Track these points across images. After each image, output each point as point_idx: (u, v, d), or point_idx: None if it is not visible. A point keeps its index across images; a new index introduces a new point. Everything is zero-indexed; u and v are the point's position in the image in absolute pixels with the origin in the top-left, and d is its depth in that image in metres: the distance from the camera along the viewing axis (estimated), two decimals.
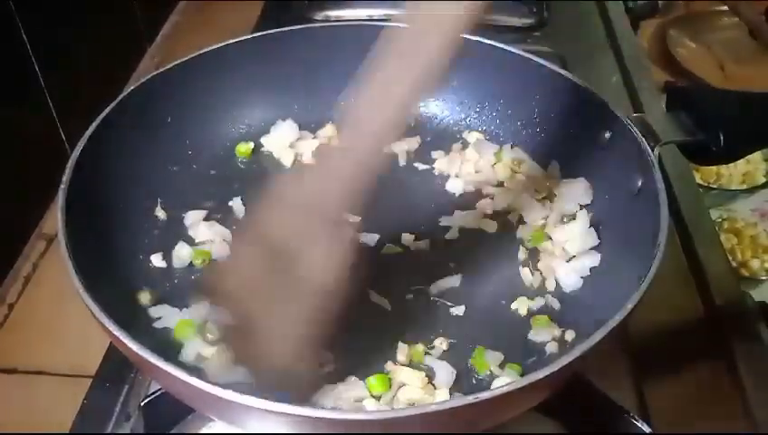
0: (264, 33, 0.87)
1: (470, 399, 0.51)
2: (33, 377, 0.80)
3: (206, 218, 0.80)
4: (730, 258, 1.08)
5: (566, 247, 0.76)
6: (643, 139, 0.71)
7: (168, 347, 0.67)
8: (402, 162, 0.88)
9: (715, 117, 0.72)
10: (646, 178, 0.70)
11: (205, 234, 0.78)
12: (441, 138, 0.90)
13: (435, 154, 0.88)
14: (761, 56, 1.51)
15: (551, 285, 0.74)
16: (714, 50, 1.53)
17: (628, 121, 0.74)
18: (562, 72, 0.82)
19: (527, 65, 0.84)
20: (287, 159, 0.87)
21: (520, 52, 0.85)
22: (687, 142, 0.75)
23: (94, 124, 0.72)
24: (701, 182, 1.22)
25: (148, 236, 0.77)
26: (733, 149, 0.72)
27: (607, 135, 0.77)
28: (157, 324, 0.70)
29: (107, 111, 0.74)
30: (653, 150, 0.71)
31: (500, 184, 0.84)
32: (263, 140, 0.88)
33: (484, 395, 0.51)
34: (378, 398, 0.63)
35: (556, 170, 0.83)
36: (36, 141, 0.94)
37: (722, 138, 0.71)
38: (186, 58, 0.83)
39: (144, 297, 0.71)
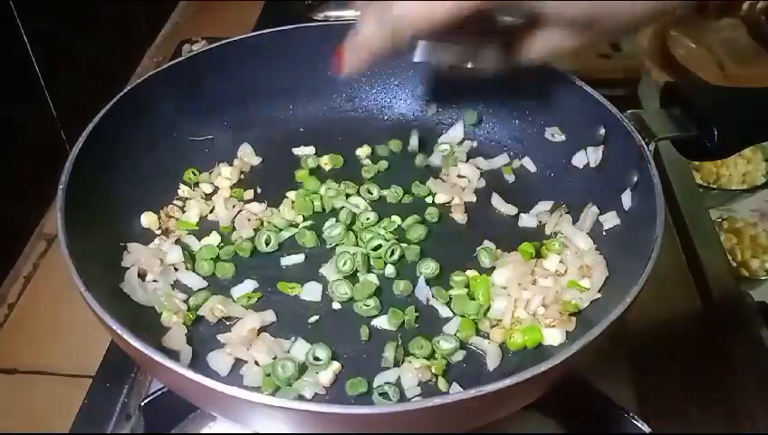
0: (264, 32, 0.87)
1: (472, 392, 0.51)
2: (33, 377, 0.80)
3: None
4: (730, 258, 1.08)
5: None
6: (638, 134, 0.72)
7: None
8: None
9: (708, 113, 0.73)
10: (641, 174, 0.71)
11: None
12: (434, 134, 0.90)
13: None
14: (761, 56, 1.51)
15: None
16: (714, 50, 1.53)
17: (623, 117, 0.74)
18: (558, 69, 0.82)
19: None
20: None
21: None
22: (682, 138, 0.75)
23: (92, 124, 0.72)
24: (701, 182, 1.22)
25: (149, 235, 0.77)
26: (727, 144, 0.73)
27: (602, 131, 0.78)
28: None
29: (104, 110, 0.74)
30: (648, 146, 0.71)
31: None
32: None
33: (487, 389, 0.51)
34: None
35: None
36: (36, 141, 0.94)
37: (716, 133, 0.71)
38: (184, 57, 0.83)
39: None
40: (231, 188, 0.83)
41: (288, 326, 0.70)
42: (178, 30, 1.33)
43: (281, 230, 0.79)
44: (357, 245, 0.77)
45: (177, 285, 0.73)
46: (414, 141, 0.89)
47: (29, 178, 0.92)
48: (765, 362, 0.80)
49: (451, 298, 0.72)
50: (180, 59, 0.83)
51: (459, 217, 0.82)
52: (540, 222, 0.80)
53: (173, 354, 0.65)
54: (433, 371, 0.65)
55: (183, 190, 0.82)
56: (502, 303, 0.71)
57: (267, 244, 0.77)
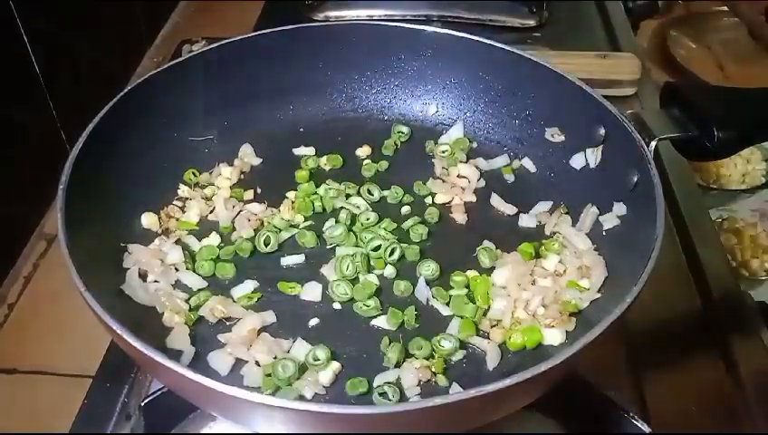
0: (264, 32, 0.87)
1: (472, 392, 0.51)
2: (33, 377, 0.80)
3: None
4: (730, 258, 1.08)
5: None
6: (638, 134, 0.72)
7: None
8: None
9: (708, 113, 0.73)
10: (641, 173, 0.71)
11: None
12: (434, 134, 0.90)
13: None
14: (761, 56, 1.51)
15: None
16: (714, 50, 1.53)
17: (623, 117, 0.74)
18: (558, 70, 0.82)
19: (523, 63, 0.84)
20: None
21: (515, 50, 0.85)
22: (682, 138, 0.75)
23: (92, 124, 0.72)
24: (701, 182, 1.22)
25: (149, 235, 0.77)
26: (727, 144, 0.73)
27: (602, 131, 0.78)
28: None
29: (104, 110, 0.74)
30: (648, 146, 0.71)
31: None
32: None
33: (487, 389, 0.51)
34: None
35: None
36: (36, 141, 0.94)
37: (716, 133, 0.71)
38: (184, 57, 0.83)
39: None
40: (231, 188, 0.83)
41: (288, 326, 0.70)
42: (178, 30, 1.33)
43: (281, 230, 0.79)
44: (357, 245, 0.77)
45: (177, 285, 0.73)
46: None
47: (29, 178, 0.92)
48: (765, 362, 0.80)
49: (451, 298, 0.72)
50: (180, 59, 0.83)
51: (459, 217, 0.82)
52: (539, 222, 0.80)
53: (175, 354, 0.66)
54: (433, 370, 0.65)
55: (183, 190, 0.82)
56: (501, 303, 0.71)
57: (267, 244, 0.77)
